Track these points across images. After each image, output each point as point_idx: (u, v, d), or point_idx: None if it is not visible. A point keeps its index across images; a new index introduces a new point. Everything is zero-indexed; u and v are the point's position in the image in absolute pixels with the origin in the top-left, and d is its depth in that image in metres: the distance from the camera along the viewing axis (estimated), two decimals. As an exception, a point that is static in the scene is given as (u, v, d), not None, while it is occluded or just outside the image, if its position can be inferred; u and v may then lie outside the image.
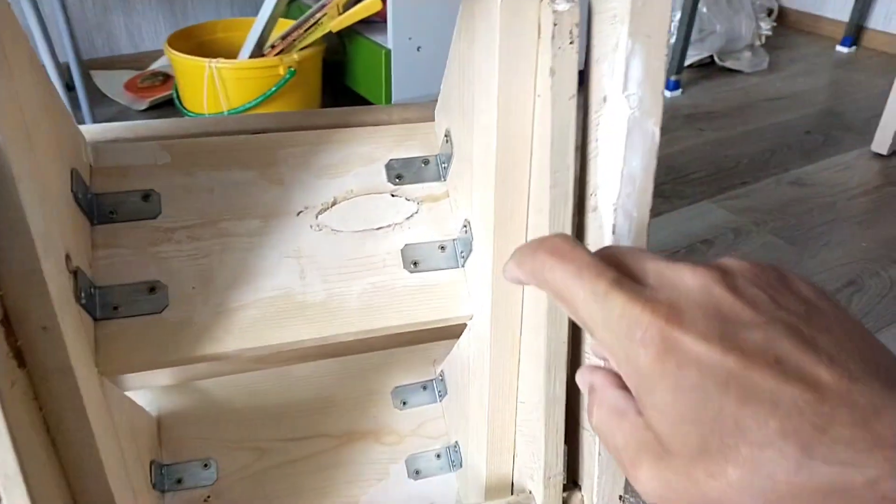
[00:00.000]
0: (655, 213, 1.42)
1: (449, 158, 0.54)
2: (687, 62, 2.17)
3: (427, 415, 0.70)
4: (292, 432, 0.67)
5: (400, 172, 0.55)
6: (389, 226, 0.54)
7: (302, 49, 1.51)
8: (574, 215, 0.43)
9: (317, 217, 0.53)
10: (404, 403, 0.70)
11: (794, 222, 1.42)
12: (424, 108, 0.59)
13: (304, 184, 0.54)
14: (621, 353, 0.26)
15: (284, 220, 0.53)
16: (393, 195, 0.55)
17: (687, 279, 0.26)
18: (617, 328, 0.26)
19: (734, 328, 0.25)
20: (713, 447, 0.24)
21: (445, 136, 0.54)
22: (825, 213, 1.46)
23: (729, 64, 2.24)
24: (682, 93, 2.07)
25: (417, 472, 0.66)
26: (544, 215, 0.43)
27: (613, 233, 0.41)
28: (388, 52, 1.63)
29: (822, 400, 0.23)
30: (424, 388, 0.70)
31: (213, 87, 1.40)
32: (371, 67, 1.70)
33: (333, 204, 0.54)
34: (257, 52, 1.48)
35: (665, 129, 1.25)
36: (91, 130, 0.53)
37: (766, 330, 0.24)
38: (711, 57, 2.24)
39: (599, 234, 0.42)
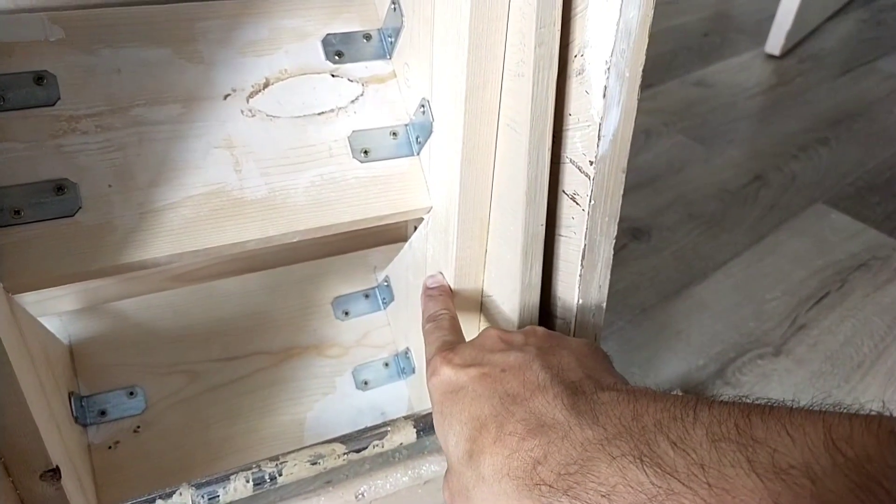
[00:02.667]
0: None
1: (397, 31, 0.48)
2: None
3: (372, 324, 0.65)
4: (225, 352, 0.61)
5: (339, 49, 0.49)
6: (332, 110, 0.48)
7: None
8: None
9: (248, 101, 0.46)
10: (346, 314, 0.65)
11: (700, 122, 1.44)
12: (360, -23, 0.52)
13: (228, 63, 0.46)
14: (426, 379, 0.39)
15: (209, 104, 0.45)
16: (333, 75, 0.48)
17: (483, 332, 0.40)
18: (429, 365, 0.40)
19: (484, 354, 0.37)
20: (459, 435, 0.34)
21: (393, 3, 0.48)
22: (728, 113, 1.49)
23: (625, -32, 2.22)
24: (582, -3, 2.04)
25: (366, 383, 0.62)
26: (526, 80, 0.38)
27: (604, 96, 0.37)
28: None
29: (518, 395, 0.33)
30: (367, 296, 0.66)
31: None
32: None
33: (266, 86, 0.47)
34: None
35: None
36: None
37: (503, 353, 0.37)
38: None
39: (586, 101, 0.38)
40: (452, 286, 0.48)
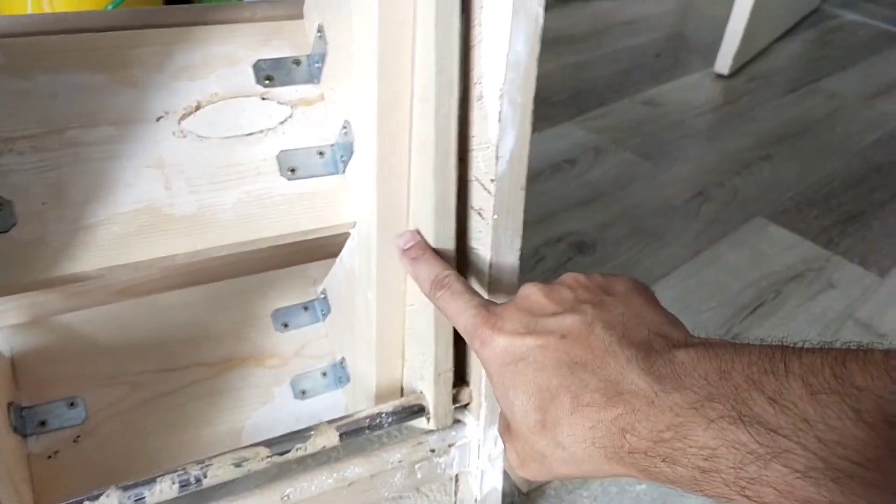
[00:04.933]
0: (521, 134, 1.44)
1: (323, 57, 0.51)
2: (544, -13, 2.19)
3: (310, 335, 0.68)
4: (165, 363, 0.63)
5: (269, 74, 0.52)
6: (262, 131, 0.51)
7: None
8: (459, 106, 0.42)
9: (179, 123, 0.49)
10: (285, 325, 0.67)
11: (648, 140, 1.49)
12: (291, 6, 0.55)
13: (162, 87, 0.49)
14: (474, 350, 0.37)
15: (142, 126, 0.48)
16: (263, 98, 0.51)
17: (522, 291, 0.38)
18: (471, 336, 0.37)
19: (536, 320, 0.35)
20: (528, 407, 0.33)
21: (318, 31, 0.51)
22: (675, 131, 1.55)
23: (583, -10, 2.28)
24: (541, 18, 2.10)
25: (304, 392, 0.65)
26: (430, 104, 0.41)
27: (499, 120, 0.40)
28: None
29: (586, 362, 0.32)
30: (306, 308, 0.68)
31: (38, 6, 1.25)
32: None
33: (197, 108, 0.50)
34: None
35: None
36: None
37: (558, 317, 0.35)
38: (566, -17, 2.28)
39: (485, 125, 0.42)
40: (375, 299, 0.51)
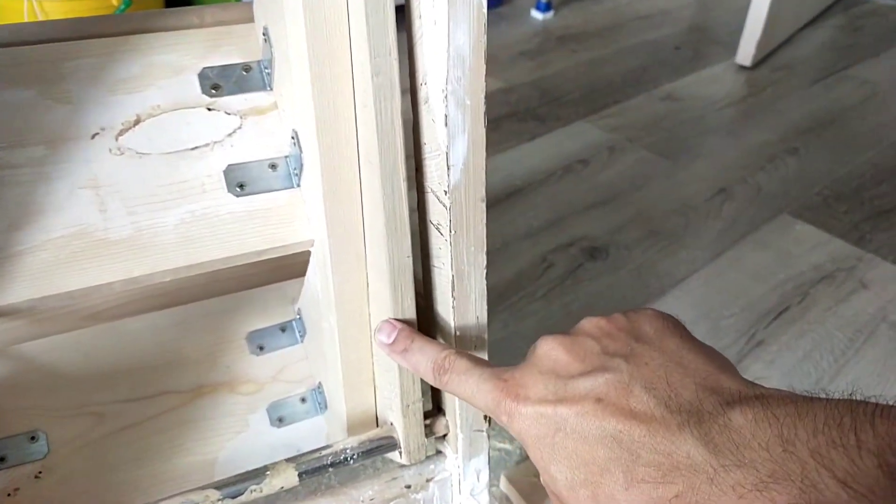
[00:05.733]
0: (532, 136, 1.40)
1: (270, 63, 0.47)
2: (558, -16, 2.14)
3: (288, 358, 0.64)
4: (133, 392, 0.60)
5: (216, 83, 0.48)
6: (207, 144, 0.47)
7: (140, -23, 1.35)
8: (410, 109, 0.38)
9: (116, 139, 0.45)
10: (261, 348, 0.63)
11: (666, 136, 1.43)
12: (244, 8, 0.51)
13: (97, 101, 0.46)
14: (503, 425, 0.34)
15: (76, 144, 0.44)
16: (210, 109, 0.48)
17: (539, 350, 0.34)
18: (496, 411, 0.34)
19: (564, 383, 0.32)
20: (573, 480, 0.30)
21: (264, 35, 0.47)
22: (695, 126, 1.48)
23: (599, -15, 2.22)
24: (555, 14, 2.04)
25: (281, 420, 0.61)
26: (370, 110, 0.37)
27: (446, 125, 0.36)
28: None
29: (632, 430, 0.28)
30: (283, 329, 0.64)
31: (31, 10, 1.24)
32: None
33: (136, 123, 0.46)
34: (88, -18, 1.31)
35: (538, 52, 1.21)
36: None
37: (589, 378, 0.31)
38: (582, -22, 2.22)
39: (432, 130, 0.37)
40: (336, 324, 0.47)
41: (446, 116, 0.35)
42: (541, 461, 0.32)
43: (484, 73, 0.35)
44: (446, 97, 0.35)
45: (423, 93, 0.37)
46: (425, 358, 0.39)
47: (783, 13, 1.76)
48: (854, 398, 0.26)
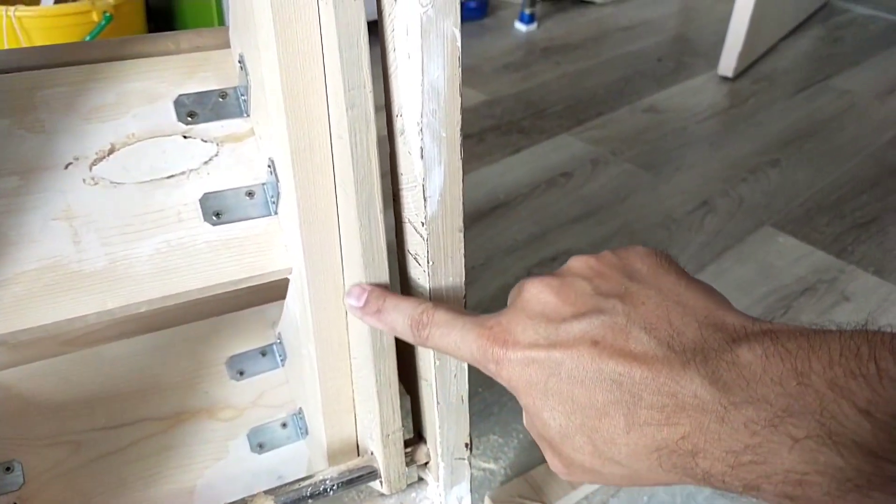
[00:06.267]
0: (515, 148, 1.40)
1: (246, 90, 0.47)
2: (541, -5, 2.15)
3: (269, 383, 0.63)
4: (111, 419, 0.59)
5: (193, 110, 0.47)
6: (183, 173, 0.46)
7: (120, -8, 1.35)
8: (386, 140, 0.37)
9: (91, 169, 0.45)
10: (241, 373, 0.63)
11: (648, 149, 1.44)
12: (220, 34, 0.51)
13: (71, 130, 0.45)
14: (491, 375, 0.32)
15: (49, 174, 0.44)
16: (186, 136, 0.47)
17: (526, 293, 0.32)
18: (483, 360, 0.32)
19: (556, 326, 0.30)
20: (568, 427, 0.29)
21: (240, 62, 0.46)
22: (678, 138, 1.49)
23: (582, -4, 2.23)
24: (538, 26, 2.05)
25: (261, 446, 0.60)
26: (345, 142, 0.36)
27: (422, 157, 0.35)
28: (219, -9, 1.50)
29: (633, 372, 0.27)
30: (263, 353, 0.64)
31: (14, 38, 1.22)
32: (201, 8, 1.55)
33: (111, 152, 0.45)
34: (66, -4, 1.30)
35: (522, 64, 1.21)
36: None
37: (582, 320, 0.29)
38: (565, -11, 2.23)
39: (409, 162, 0.37)
40: (315, 352, 0.46)
41: (422, 149, 0.35)
42: (532, 408, 0.30)
43: (459, 105, 0.35)
44: (422, 130, 0.35)
45: (398, 124, 0.37)
46: (401, 315, 0.37)
47: (764, 24, 1.78)
48: (868, 329, 0.24)
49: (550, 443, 0.30)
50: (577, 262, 0.33)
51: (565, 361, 0.29)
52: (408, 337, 0.37)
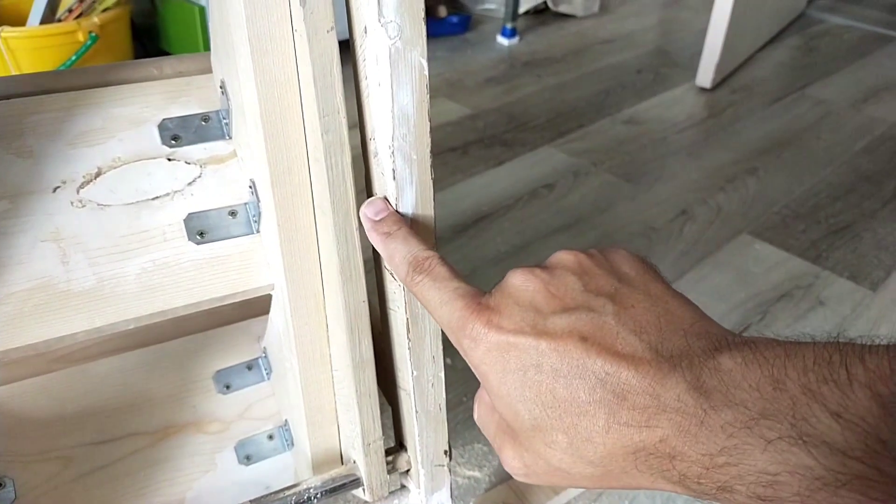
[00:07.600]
0: (498, 161, 1.42)
1: (228, 113, 0.49)
2: (521, 9, 2.18)
3: (255, 396, 0.65)
4: (100, 434, 0.60)
5: (176, 133, 0.49)
6: (168, 194, 0.48)
7: (104, 11, 1.37)
8: (361, 163, 0.39)
9: (78, 192, 0.46)
10: (228, 387, 0.64)
11: (628, 160, 1.46)
12: (203, 59, 0.53)
13: (58, 155, 0.47)
14: (461, 349, 0.32)
15: (37, 198, 0.45)
16: (170, 159, 0.49)
17: (514, 281, 0.32)
18: (459, 331, 0.31)
19: (544, 317, 0.30)
20: (544, 420, 0.29)
21: (221, 87, 0.48)
22: (657, 149, 1.51)
23: (563, 9, 2.26)
24: (520, 40, 2.08)
25: (248, 458, 0.62)
26: (321, 165, 0.38)
27: (394, 178, 0.37)
28: (202, 10, 1.51)
29: (619, 372, 0.27)
30: (249, 367, 0.65)
31: (0, 59, 1.24)
32: (185, 27, 1.57)
33: (98, 175, 0.47)
34: (49, 16, 1.32)
35: (504, 78, 1.24)
36: None
37: (572, 314, 0.29)
38: (545, 3, 2.26)
39: (382, 182, 0.39)
40: (297, 365, 0.48)
41: (394, 171, 0.37)
42: (505, 396, 0.30)
43: (428, 129, 0.37)
44: (393, 153, 0.37)
45: (371, 147, 0.39)
46: (406, 249, 0.36)
47: (741, 36, 1.81)
48: (839, 340, 0.25)
49: (517, 436, 0.30)
50: (565, 256, 0.33)
51: (550, 353, 0.29)
52: (400, 273, 0.36)
